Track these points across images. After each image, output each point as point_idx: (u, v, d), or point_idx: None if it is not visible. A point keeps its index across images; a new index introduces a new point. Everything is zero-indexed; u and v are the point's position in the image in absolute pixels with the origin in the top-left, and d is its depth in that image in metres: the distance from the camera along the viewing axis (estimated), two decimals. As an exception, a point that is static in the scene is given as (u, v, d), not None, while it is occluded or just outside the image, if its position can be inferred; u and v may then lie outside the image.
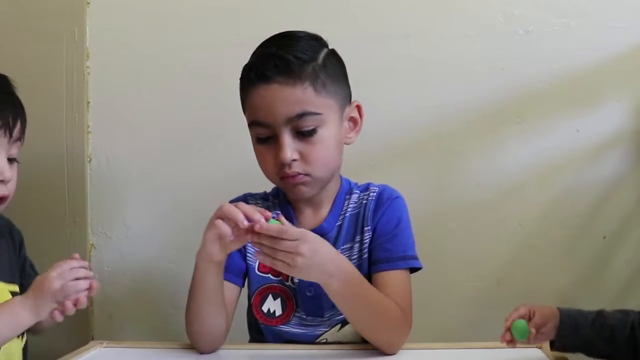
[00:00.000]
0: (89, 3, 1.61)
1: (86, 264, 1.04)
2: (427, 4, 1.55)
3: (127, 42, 1.62)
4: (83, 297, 1.01)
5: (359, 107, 1.18)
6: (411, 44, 1.54)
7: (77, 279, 1.01)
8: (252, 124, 1.13)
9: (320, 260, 1.00)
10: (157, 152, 1.62)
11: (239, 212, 0.98)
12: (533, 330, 1.00)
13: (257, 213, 0.98)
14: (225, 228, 0.99)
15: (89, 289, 1.02)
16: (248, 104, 1.13)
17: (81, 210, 1.63)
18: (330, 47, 1.16)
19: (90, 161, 1.63)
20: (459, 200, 1.54)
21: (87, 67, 1.62)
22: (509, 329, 1.02)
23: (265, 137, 1.11)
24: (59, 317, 1.01)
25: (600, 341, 1.05)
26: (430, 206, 1.51)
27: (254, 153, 1.55)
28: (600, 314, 1.07)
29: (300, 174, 1.10)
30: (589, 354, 1.07)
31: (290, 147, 1.08)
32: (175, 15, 1.60)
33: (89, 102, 1.63)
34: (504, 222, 1.53)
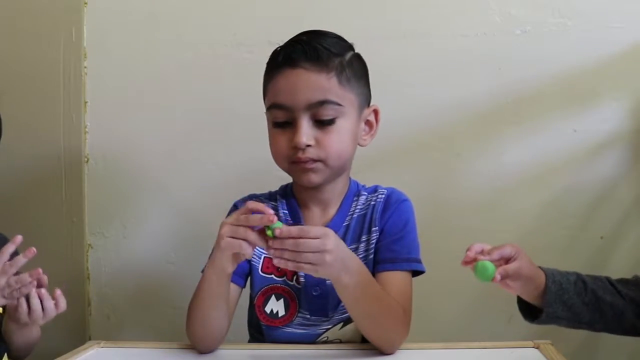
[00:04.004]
0: (86, 3, 1.62)
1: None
2: (425, 5, 1.55)
3: (125, 42, 1.62)
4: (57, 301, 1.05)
5: (376, 112, 1.19)
6: (408, 45, 1.54)
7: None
8: (272, 107, 1.12)
9: (342, 254, 1.00)
10: (155, 152, 1.62)
11: (267, 216, 0.96)
12: (498, 277, 0.96)
13: (268, 209, 0.97)
14: (248, 250, 0.97)
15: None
16: (270, 87, 1.13)
17: (78, 210, 1.63)
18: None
19: (87, 161, 1.63)
20: (456, 200, 1.55)
21: (85, 67, 1.62)
22: (469, 263, 0.97)
23: (282, 121, 1.11)
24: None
25: (584, 307, 1.04)
26: (427, 206, 1.50)
27: (251, 154, 1.57)
28: (579, 276, 1.07)
29: (312, 159, 1.09)
30: (573, 323, 1.06)
31: (306, 132, 1.08)
32: (172, 15, 1.60)
33: (86, 102, 1.62)
34: (501, 222, 1.53)
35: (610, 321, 1.06)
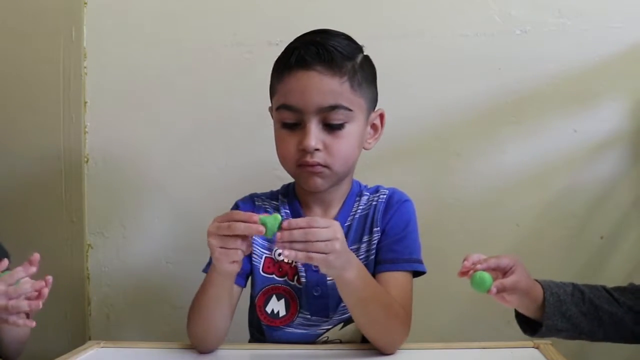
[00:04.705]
0: (86, 3, 1.61)
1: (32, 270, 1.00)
2: (425, 5, 1.55)
3: (125, 42, 1.62)
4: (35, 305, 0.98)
5: (382, 116, 1.18)
6: (408, 44, 1.54)
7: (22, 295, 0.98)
8: (281, 108, 1.11)
9: (347, 246, 1.00)
10: (154, 152, 1.62)
11: (255, 226, 0.94)
12: (494, 289, 0.94)
13: (252, 217, 0.95)
14: (241, 257, 0.97)
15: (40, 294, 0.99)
16: (280, 87, 1.12)
17: (78, 210, 1.62)
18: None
19: (87, 161, 1.63)
20: (456, 200, 1.55)
21: (85, 67, 1.62)
22: (465, 274, 0.96)
23: (291, 122, 1.10)
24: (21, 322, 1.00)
25: (583, 317, 1.04)
26: (427, 206, 1.50)
27: (251, 154, 1.57)
28: (575, 286, 1.07)
29: (319, 164, 1.09)
30: (573, 334, 1.06)
31: (316, 136, 1.08)
32: (172, 15, 1.60)
33: (86, 102, 1.62)
34: (501, 222, 1.53)
35: (609, 329, 1.05)
